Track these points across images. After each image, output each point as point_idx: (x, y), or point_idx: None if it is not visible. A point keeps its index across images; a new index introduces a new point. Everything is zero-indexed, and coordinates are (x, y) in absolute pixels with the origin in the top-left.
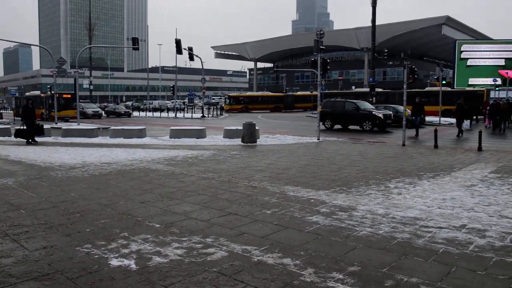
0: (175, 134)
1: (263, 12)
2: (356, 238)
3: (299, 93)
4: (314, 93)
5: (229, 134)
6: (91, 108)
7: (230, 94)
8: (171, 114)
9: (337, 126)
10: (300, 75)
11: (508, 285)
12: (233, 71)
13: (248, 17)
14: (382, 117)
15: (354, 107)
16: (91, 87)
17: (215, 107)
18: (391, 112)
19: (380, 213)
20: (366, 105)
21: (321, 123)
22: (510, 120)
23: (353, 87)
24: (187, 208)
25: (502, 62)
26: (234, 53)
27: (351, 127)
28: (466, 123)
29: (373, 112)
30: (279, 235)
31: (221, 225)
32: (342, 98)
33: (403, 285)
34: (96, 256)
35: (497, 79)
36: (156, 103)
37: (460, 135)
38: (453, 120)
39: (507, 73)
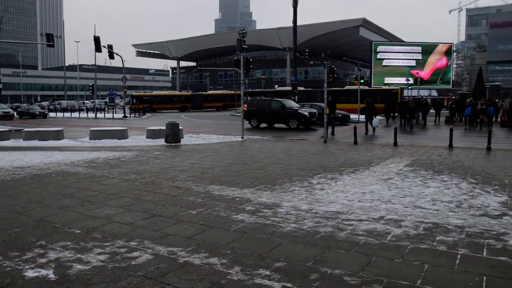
0: (95, 135)
1: (186, 11)
2: (282, 234)
3: (209, 92)
4: (225, 92)
5: (152, 134)
6: (0, 108)
7: (133, 93)
8: (91, 115)
9: (264, 125)
10: (223, 74)
11: (421, 270)
12: (156, 70)
13: (171, 16)
14: (307, 115)
15: (280, 106)
16: (0, 85)
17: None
18: (315, 110)
19: (304, 208)
20: (291, 104)
21: (247, 121)
22: (417, 117)
23: (276, 86)
24: (110, 212)
25: (413, 63)
26: (157, 52)
27: (277, 125)
28: (375, 120)
29: (299, 111)
30: (205, 235)
31: (146, 228)
32: (265, 96)
33: (327, 277)
34: (8, 269)
35: (410, 78)
36: (64, 103)
37: (367, 132)
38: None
39: (417, 73)
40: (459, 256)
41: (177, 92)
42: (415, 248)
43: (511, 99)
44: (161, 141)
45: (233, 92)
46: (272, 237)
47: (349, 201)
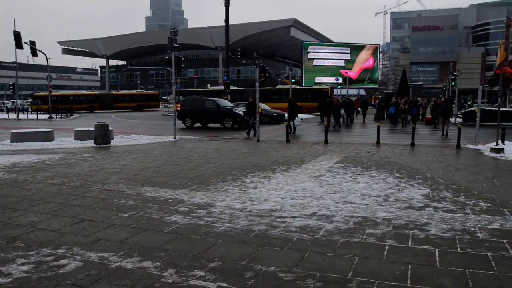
0: (18, 137)
1: (115, 8)
2: (216, 234)
3: (121, 92)
4: (139, 92)
5: (80, 135)
6: None
7: (35, 93)
8: (13, 116)
9: (198, 125)
10: (154, 73)
11: (352, 262)
12: (84, 69)
13: (99, 12)
14: (242, 115)
15: (214, 105)
16: None
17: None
18: None
19: (238, 207)
20: (226, 103)
21: (180, 121)
22: (342, 116)
23: (209, 85)
24: (34, 219)
25: (342, 63)
26: (84, 50)
27: (211, 125)
28: (298, 120)
29: (234, 110)
30: (137, 238)
31: (74, 234)
32: (198, 96)
33: (262, 274)
34: None
35: (339, 78)
36: None
37: (291, 131)
38: (304, 116)
39: (346, 72)
40: (387, 247)
41: (85, 92)
42: (346, 242)
43: (436, 98)
44: (90, 143)
45: (148, 92)
46: (206, 238)
47: (282, 198)
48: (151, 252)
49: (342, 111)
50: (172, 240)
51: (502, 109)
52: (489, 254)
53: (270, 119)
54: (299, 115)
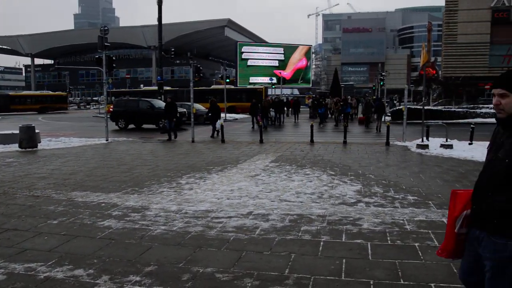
0: None
1: (41, 3)
2: (151, 238)
3: (21, 92)
4: (44, 92)
5: (3, 139)
6: None
7: None
8: None
9: (132, 126)
10: (85, 73)
11: (289, 259)
12: (5, 68)
13: (24, 7)
14: (178, 115)
15: (149, 106)
16: None
17: None
18: (185, 110)
19: (173, 209)
20: (161, 104)
21: (113, 123)
22: (272, 116)
23: (142, 85)
24: None
25: (276, 63)
26: (5, 47)
27: (146, 126)
28: (218, 122)
29: None
30: (68, 246)
31: None
32: (131, 96)
33: (199, 276)
34: None
35: (273, 78)
36: None
37: (212, 135)
38: (239, 116)
39: (280, 72)
40: (322, 243)
41: None
42: (282, 240)
43: (369, 98)
44: (15, 147)
45: (55, 93)
46: (141, 242)
47: (218, 199)
48: (83, 259)
49: (272, 112)
50: (105, 245)
51: (426, 107)
52: (416, 244)
53: (205, 120)
54: (235, 115)
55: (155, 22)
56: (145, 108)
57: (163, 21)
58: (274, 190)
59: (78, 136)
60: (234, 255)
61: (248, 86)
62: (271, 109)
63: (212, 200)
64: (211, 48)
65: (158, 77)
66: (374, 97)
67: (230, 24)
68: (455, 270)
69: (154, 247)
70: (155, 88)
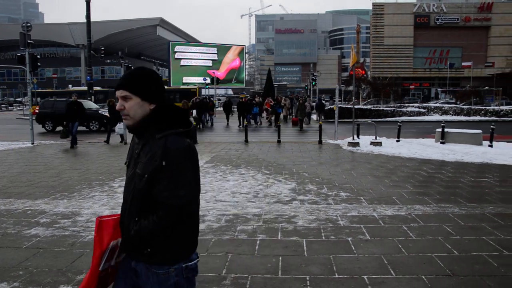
0: None
1: None
2: (83, 244)
3: None
4: None
5: None
6: None
7: None
8: None
9: (61, 128)
10: (6, 72)
11: (226, 260)
12: None
13: None
14: (84, 116)
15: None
16: None
17: None
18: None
19: (107, 214)
20: (91, 105)
21: (40, 125)
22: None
23: (70, 85)
24: None
25: (209, 63)
26: None
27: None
28: (119, 127)
29: (100, 111)
30: None
31: None
32: (58, 97)
33: None
34: None
35: (207, 78)
36: None
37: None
38: None
39: (214, 72)
40: (258, 241)
41: None
42: (219, 240)
43: (302, 99)
44: None
45: None
46: (72, 249)
47: None
48: (8, 271)
49: (194, 113)
50: (32, 255)
51: (356, 106)
52: (349, 239)
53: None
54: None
55: (83, 19)
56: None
57: (93, 19)
58: (209, 190)
59: (0, 140)
60: None
61: (182, 86)
62: (192, 111)
63: None
64: (143, 48)
65: (88, 77)
66: (307, 97)
67: (163, 23)
68: (386, 262)
69: (86, 254)
70: (85, 88)
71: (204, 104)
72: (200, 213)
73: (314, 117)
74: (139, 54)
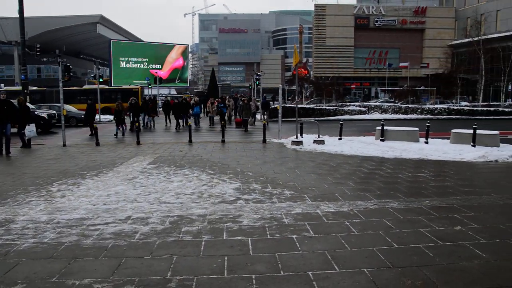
0: None
1: None
2: (18, 253)
3: None
4: None
5: None
6: None
7: None
8: None
9: None
10: None
11: (171, 262)
12: None
13: None
14: (46, 117)
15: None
16: None
17: None
18: (55, 112)
19: (44, 220)
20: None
21: None
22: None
23: (2, 85)
24: None
25: (152, 62)
26: None
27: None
28: (30, 129)
29: (36, 112)
30: None
31: None
32: None
33: None
34: None
35: (149, 77)
36: None
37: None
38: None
39: (156, 72)
40: (203, 242)
41: None
42: (163, 243)
43: (246, 99)
44: None
45: None
46: (6, 258)
47: (94, 205)
48: None
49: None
50: None
51: (299, 106)
52: (294, 236)
53: (77, 122)
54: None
55: (16, 14)
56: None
57: (27, 14)
58: (153, 192)
59: None
60: (113, 263)
61: (124, 86)
62: (128, 112)
63: (87, 206)
64: (83, 46)
65: (22, 76)
66: (253, 96)
67: (103, 20)
68: (330, 258)
69: (22, 263)
70: (19, 88)
71: (140, 105)
72: (144, 215)
73: (259, 116)
74: (79, 53)
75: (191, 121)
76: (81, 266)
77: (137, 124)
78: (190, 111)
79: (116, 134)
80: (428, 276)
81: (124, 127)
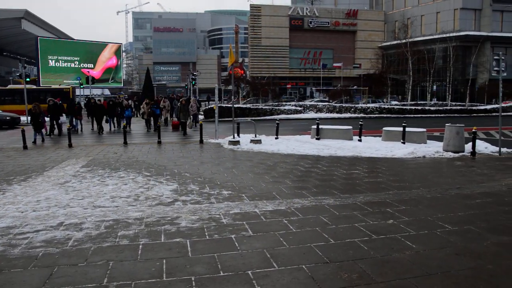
0: None
1: None
2: None
3: None
4: None
5: None
6: None
7: None
8: None
9: None
10: None
11: (107, 268)
12: None
13: None
14: None
15: None
16: None
17: None
18: None
19: None
20: None
21: None
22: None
23: None
24: None
25: (83, 61)
26: None
27: None
28: None
29: None
30: None
31: None
32: None
33: None
34: None
35: (80, 77)
36: None
37: (34, 141)
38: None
39: (88, 71)
40: (141, 246)
41: None
42: (98, 248)
43: (185, 100)
44: None
45: None
46: None
47: (22, 212)
48: None
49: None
50: None
51: (236, 105)
52: (233, 236)
53: (2, 124)
54: None
55: None
56: None
57: None
58: (86, 196)
59: None
60: (45, 272)
61: (54, 86)
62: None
63: (14, 214)
64: (7, 43)
65: None
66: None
67: (28, 16)
68: (269, 256)
69: None
70: None
71: (56, 108)
72: (77, 220)
73: (202, 117)
74: (2, 50)
75: (123, 122)
76: (8, 279)
77: (68, 125)
78: (119, 110)
79: (34, 141)
80: (364, 269)
81: (44, 132)
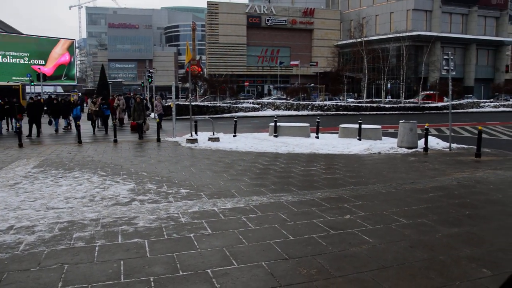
0: None
1: None
2: None
3: None
4: None
5: None
6: None
7: None
8: None
9: None
10: None
11: (61, 272)
12: None
13: None
14: None
15: None
16: None
17: None
18: None
19: None
20: None
21: None
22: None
23: None
24: None
25: (34, 58)
26: None
27: None
28: None
29: None
30: None
31: None
32: None
33: None
34: None
35: (31, 74)
36: None
37: None
38: None
39: (39, 68)
40: (97, 248)
41: None
42: (52, 251)
43: (139, 98)
44: None
45: None
46: None
47: None
48: None
49: None
50: None
51: (193, 103)
52: (191, 235)
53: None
54: None
55: None
56: None
57: None
58: (39, 198)
59: None
60: None
61: (1, 83)
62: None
63: None
64: None
65: None
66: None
67: None
68: (228, 254)
69: None
70: None
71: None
72: (29, 223)
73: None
74: None
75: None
76: None
77: (18, 124)
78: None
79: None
80: (322, 264)
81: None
